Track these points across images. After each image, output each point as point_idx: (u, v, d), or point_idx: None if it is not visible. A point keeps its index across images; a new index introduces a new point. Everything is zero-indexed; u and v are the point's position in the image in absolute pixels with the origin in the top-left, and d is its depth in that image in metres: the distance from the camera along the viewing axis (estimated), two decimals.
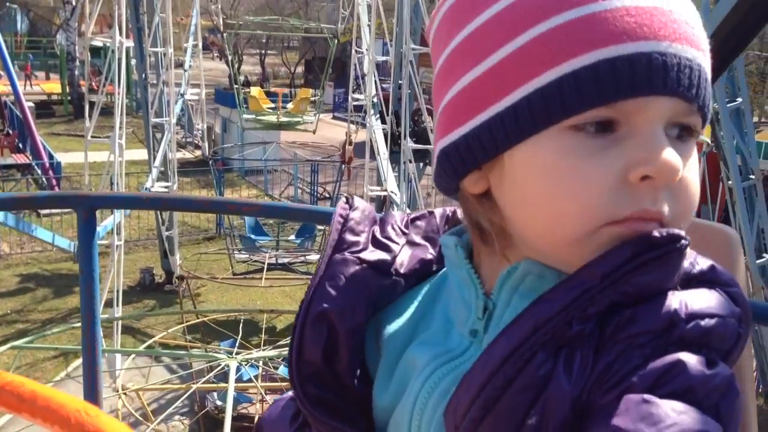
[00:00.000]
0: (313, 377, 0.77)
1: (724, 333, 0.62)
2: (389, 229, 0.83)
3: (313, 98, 19.42)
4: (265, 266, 11.07)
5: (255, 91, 17.78)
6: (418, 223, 0.85)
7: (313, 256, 12.37)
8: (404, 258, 0.81)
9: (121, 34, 10.17)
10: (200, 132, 14.76)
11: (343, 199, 0.86)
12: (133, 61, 20.68)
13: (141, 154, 16.42)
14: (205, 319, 8.13)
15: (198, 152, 18.14)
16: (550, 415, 0.59)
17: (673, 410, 0.56)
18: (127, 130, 20.64)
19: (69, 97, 28.65)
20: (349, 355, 0.77)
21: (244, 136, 19.15)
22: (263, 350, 7.03)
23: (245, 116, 17.42)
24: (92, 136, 10.72)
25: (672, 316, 0.60)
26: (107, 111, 10.86)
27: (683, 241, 0.62)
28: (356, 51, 12.64)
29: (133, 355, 9.08)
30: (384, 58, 11.94)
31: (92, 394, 2.01)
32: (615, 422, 0.56)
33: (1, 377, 0.70)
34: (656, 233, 0.61)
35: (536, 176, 0.62)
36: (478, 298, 0.71)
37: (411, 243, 0.83)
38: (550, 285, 0.65)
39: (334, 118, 28.22)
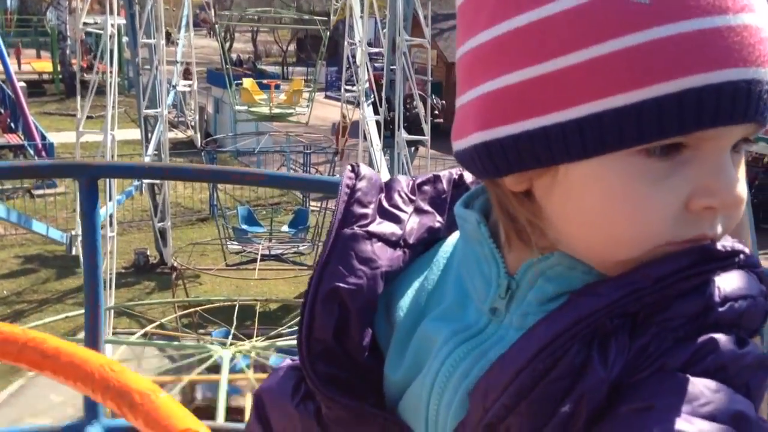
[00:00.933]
0: (323, 355, 0.76)
1: (754, 312, 0.62)
2: (396, 196, 0.81)
3: (306, 90, 19.30)
4: (259, 257, 11.10)
5: (247, 82, 17.63)
6: (425, 188, 0.83)
7: (306, 247, 12.43)
8: (413, 227, 0.80)
9: (112, 13, 10.09)
10: (192, 120, 14.71)
11: (349, 168, 0.82)
12: (125, 39, 20.59)
13: (134, 133, 16.44)
14: (198, 309, 8.21)
15: (189, 132, 18.16)
16: (584, 403, 0.59)
17: (707, 388, 0.56)
18: (119, 109, 20.66)
19: (60, 76, 28.50)
20: (360, 332, 0.76)
21: (237, 118, 19.18)
22: (256, 340, 7.12)
23: (237, 107, 17.35)
24: (90, 116, 10.77)
25: (707, 301, 0.60)
26: (99, 90, 10.70)
27: (742, 256, 0.63)
28: (348, 42, 12.61)
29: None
30: (376, 50, 11.92)
31: (94, 341, 2.05)
32: (649, 400, 0.56)
33: (24, 334, 0.69)
34: (720, 247, 0.61)
35: (597, 197, 0.60)
36: (500, 277, 0.70)
37: (418, 210, 0.82)
38: (580, 275, 0.65)
39: (327, 97, 28.14)
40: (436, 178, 0.84)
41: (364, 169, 0.82)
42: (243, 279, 10.74)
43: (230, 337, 7.28)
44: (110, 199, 9.98)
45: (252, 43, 41.75)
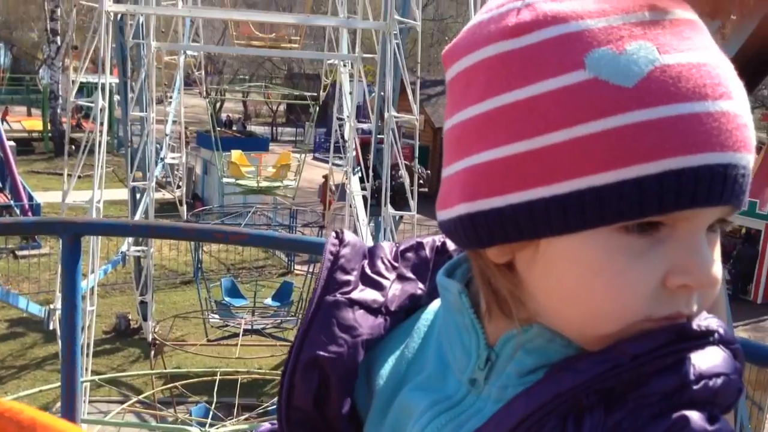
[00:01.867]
0: (302, 423, 0.77)
1: (728, 390, 0.63)
2: (379, 263, 0.82)
3: (294, 152, 19.47)
4: (241, 332, 11.02)
5: (235, 155, 17.71)
6: (408, 255, 0.84)
7: (290, 322, 12.32)
8: (395, 294, 0.80)
9: (104, 59, 10.01)
10: (181, 192, 14.75)
11: (333, 234, 0.82)
12: (117, 98, 20.79)
13: (121, 193, 16.47)
14: (177, 384, 8.10)
15: (177, 192, 18.25)
16: None
17: None
18: (107, 168, 20.71)
19: (50, 135, 28.69)
20: (340, 400, 0.76)
21: (223, 185, 19.31)
22: (236, 421, 7.03)
23: (225, 180, 17.45)
24: (71, 175, 10.51)
25: (683, 378, 0.61)
26: (90, 150, 10.46)
27: (716, 335, 0.64)
28: (337, 118, 12.81)
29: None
30: (364, 126, 12.12)
31: (70, 410, 2.01)
32: None
33: (0, 404, 0.69)
34: (695, 326, 0.63)
35: (576, 272, 0.61)
36: (480, 348, 0.70)
37: (401, 277, 0.82)
38: (559, 348, 0.66)
39: (315, 158, 28.45)
40: (419, 245, 0.84)
41: (348, 236, 0.82)
42: (223, 358, 10.45)
43: (210, 415, 7.18)
44: (92, 272, 9.84)
45: (242, 103, 42.34)
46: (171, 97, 17.76)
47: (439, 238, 0.84)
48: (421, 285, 0.82)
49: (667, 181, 0.56)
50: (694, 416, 0.59)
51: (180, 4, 12.49)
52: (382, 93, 10.05)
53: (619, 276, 0.59)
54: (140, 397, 8.43)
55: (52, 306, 10.43)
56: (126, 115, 12.13)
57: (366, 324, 0.77)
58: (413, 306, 0.81)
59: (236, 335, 11.17)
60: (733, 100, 0.59)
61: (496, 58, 0.62)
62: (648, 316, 0.60)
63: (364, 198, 10.99)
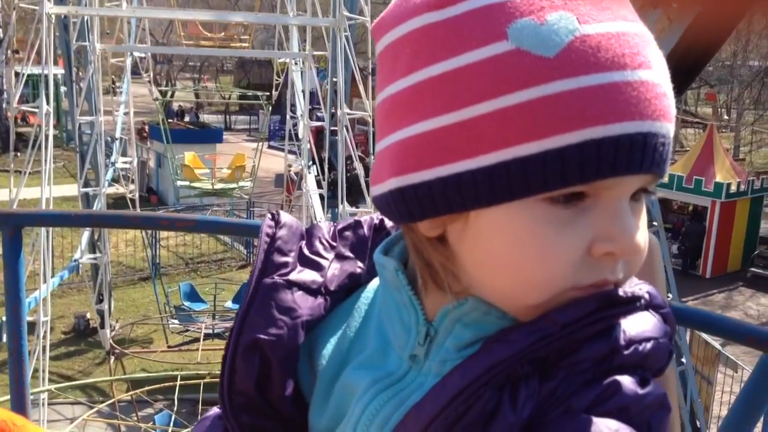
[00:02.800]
0: (246, 407, 0.76)
1: (658, 353, 0.65)
2: (317, 243, 0.82)
3: (250, 161, 19.18)
4: (202, 337, 10.89)
5: (188, 157, 17.34)
6: (346, 233, 0.84)
7: None
8: (334, 274, 0.80)
9: (47, 63, 9.57)
10: (133, 188, 14.47)
11: (269, 216, 0.82)
12: (63, 89, 20.19)
13: (73, 189, 16.16)
14: (138, 392, 8.02)
15: (131, 186, 17.98)
16: None
17: (607, 427, 0.59)
18: (57, 163, 20.18)
19: None
20: (282, 382, 0.76)
21: (179, 195, 19.06)
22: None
23: (179, 183, 17.14)
24: (18, 171, 10.22)
25: (613, 344, 0.62)
26: (34, 144, 9.98)
27: (642, 301, 0.66)
28: (291, 117, 12.74)
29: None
30: (317, 124, 12.08)
31: (20, 406, 1.98)
32: None
33: None
34: (621, 293, 0.64)
35: (505, 242, 0.62)
36: (419, 324, 0.70)
37: (339, 256, 0.82)
38: (494, 320, 0.67)
39: (270, 147, 28.24)
40: (357, 224, 0.84)
41: (285, 217, 0.82)
42: (184, 364, 10.34)
43: (172, 421, 7.12)
44: (44, 281, 9.51)
45: (194, 93, 41.67)
46: (119, 87, 17.40)
47: (377, 216, 0.84)
48: (360, 263, 0.82)
49: (588, 151, 0.57)
50: (626, 380, 0.61)
51: (124, 4, 12.25)
52: (335, 89, 10.04)
53: (545, 245, 0.60)
54: (101, 405, 8.34)
55: (4, 318, 10.13)
56: (74, 117, 11.81)
57: (305, 305, 0.77)
58: (353, 285, 0.81)
59: (197, 340, 10.98)
60: (652, 70, 0.60)
61: (421, 30, 0.62)
62: (575, 284, 0.62)
63: (321, 196, 11.00)
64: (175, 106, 31.90)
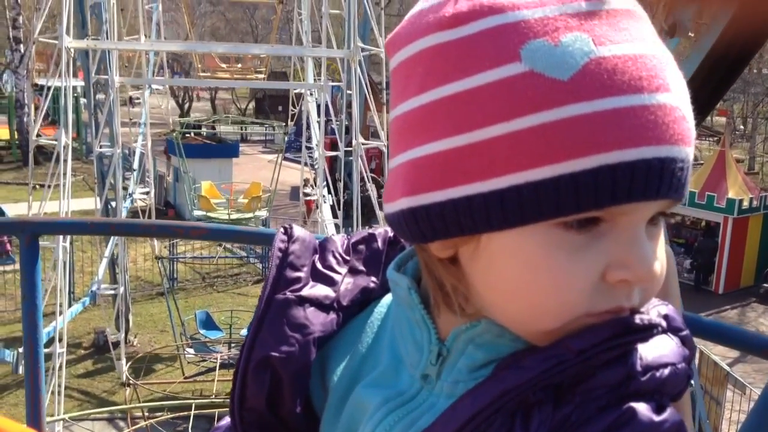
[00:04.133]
0: (256, 423, 0.76)
1: (675, 380, 0.63)
2: (330, 257, 0.81)
3: (265, 194, 19.21)
4: (217, 367, 10.83)
5: (205, 186, 17.52)
6: (360, 247, 0.82)
7: None
8: (347, 288, 0.79)
9: (67, 73, 9.57)
10: (150, 201, 14.67)
11: (282, 230, 0.81)
12: (83, 101, 20.46)
13: (91, 203, 16.43)
14: (152, 421, 8.04)
15: (149, 201, 18.27)
16: None
17: None
18: (77, 177, 20.45)
19: (18, 144, 28.41)
20: (293, 399, 0.75)
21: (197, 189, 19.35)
22: None
23: (195, 213, 17.31)
24: (39, 184, 10.26)
25: (629, 370, 0.61)
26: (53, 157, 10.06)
27: (660, 328, 0.64)
28: (306, 147, 12.91)
29: None
30: (332, 153, 12.12)
31: (35, 422, 1.98)
32: None
33: None
34: (637, 320, 0.62)
35: (517, 267, 0.60)
36: (432, 343, 0.69)
37: (353, 270, 0.81)
38: (508, 342, 0.65)
39: (285, 159, 28.51)
40: (372, 237, 0.83)
41: (297, 231, 0.80)
42: (200, 398, 10.00)
43: None
44: (60, 314, 9.55)
45: (211, 102, 42.18)
46: (137, 99, 17.54)
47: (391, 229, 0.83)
48: (373, 278, 0.81)
49: (603, 176, 0.55)
50: (641, 407, 0.60)
51: (143, 38, 12.43)
52: (347, 119, 10.14)
53: (558, 271, 0.59)
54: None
55: (21, 350, 10.35)
56: (93, 147, 11.88)
57: (317, 321, 0.76)
58: (366, 299, 0.80)
59: (213, 369, 10.86)
60: (671, 93, 0.58)
61: (433, 49, 0.61)
62: (588, 310, 0.60)
63: (336, 226, 11.13)
64: (192, 117, 32.26)
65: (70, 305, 14.39)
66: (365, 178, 10.45)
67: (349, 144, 10.92)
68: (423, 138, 0.62)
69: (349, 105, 10.78)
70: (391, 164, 0.68)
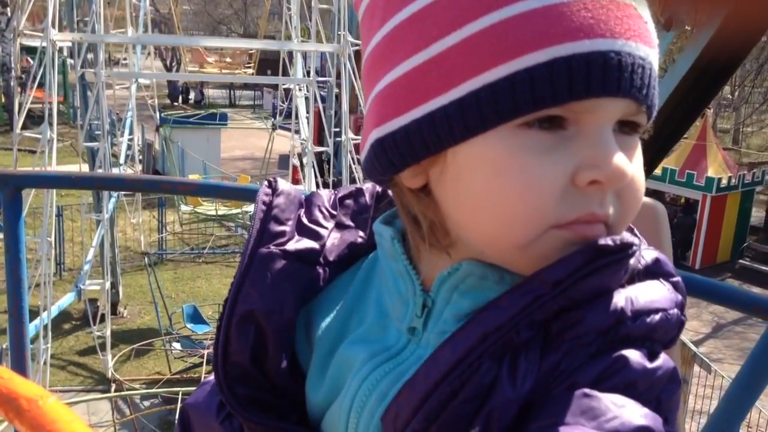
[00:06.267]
0: (241, 378, 0.74)
1: (667, 325, 0.62)
2: (316, 212, 0.79)
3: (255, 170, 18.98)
4: (204, 360, 10.71)
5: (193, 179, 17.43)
6: (347, 202, 0.81)
7: None
8: (333, 243, 0.78)
9: (53, 27, 9.38)
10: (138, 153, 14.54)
11: (266, 183, 0.79)
12: (70, 61, 20.11)
13: (82, 168, 16.38)
14: (138, 415, 7.86)
15: (138, 167, 18.24)
16: (494, 422, 0.58)
17: (613, 404, 0.56)
18: (64, 142, 20.33)
19: (4, 107, 28.23)
20: (278, 353, 0.74)
21: (185, 158, 19.43)
22: None
23: (183, 208, 17.16)
24: (22, 149, 10.08)
25: (618, 314, 0.59)
26: (41, 120, 9.85)
27: (634, 248, 0.61)
28: (301, 141, 12.62)
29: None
30: (322, 149, 12.03)
31: (20, 367, 1.99)
32: (556, 417, 0.56)
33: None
34: (609, 241, 0.59)
35: (483, 176, 0.59)
36: (416, 295, 0.69)
37: (340, 225, 0.80)
38: (492, 285, 0.64)
39: (274, 126, 28.45)
40: (359, 192, 0.82)
41: (282, 184, 0.79)
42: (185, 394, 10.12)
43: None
44: (44, 309, 9.43)
45: (199, 66, 41.75)
46: (125, 60, 17.13)
47: None
48: (361, 233, 0.80)
49: (558, 68, 0.55)
50: (633, 354, 0.59)
51: (129, 31, 12.23)
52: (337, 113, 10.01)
53: (523, 173, 0.58)
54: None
55: (5, 345, 10.31)
56: (80, 140, 11.76)
57: (302, 276, 0.75)
58: (353, 255, 0.79)
59: (199, 365, 10.76)
60: None
61: None
62: (559, 218, 0.59)
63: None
64: (180, 84, 32.07)
65: (61, 276, 14.75)
66: (354, 172, 10.46)
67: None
68: (386, 67, 0.63)
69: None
70: (365, 110, 0.68)
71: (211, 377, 0.80)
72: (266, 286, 0.74)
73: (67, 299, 12.12)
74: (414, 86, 0.60)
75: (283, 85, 14.49)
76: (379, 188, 0.82)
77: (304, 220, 0.79)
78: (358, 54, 10.43)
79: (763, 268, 17.22)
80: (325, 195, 0.82)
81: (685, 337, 11.08)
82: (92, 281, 11.97)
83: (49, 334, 9.57)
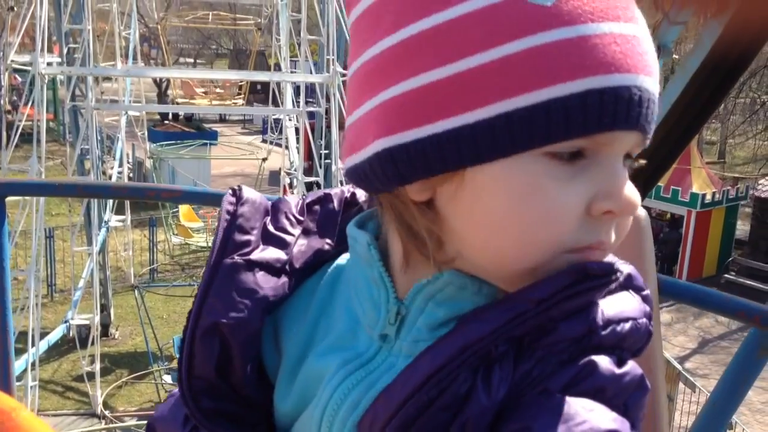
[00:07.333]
0: (206, 391, 0.74)
1: (636, 334, 0.63)
2: (283, 219, 0.78)
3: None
4: None
5: (183, 210, 17.39)
6: (315, 208, 0.80)
7: None
8: (300, 250, 0.77)
9: (42, 51, 9.36)
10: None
11: (230, 191, 0.78)
12: (60, 77, 19.98)
13: None
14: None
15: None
16: (469, 430, 0.59)
17: (583, 408, 0.58)
18: (54, 160, 20.23)
19: None
20: (244, 365, 0.73)
21: (176, 176, 19.52)
22: None
23: (174, 239, 17.19)
24: (10, 166, 10.05)
25: (590, 324, 0.61)
26: (32, 138, 9.79)
27: (618, 274, 0.64)
28: (286, 172, 12.86)
29: None
30: (312, 179, 11.90)
31: (4, 382, 1.97)
32: (529, 420, 0.57)
33: None
34: (596, 266, 0.61)
35: (506, 199, 0.59)
36: (390, 302, 0.68)
37: (306, 232, 0.79)
38: (470, 296, 0.65)
39: (264, 141, 28.57)
40: (327, 197, 0.81)
41: (247, 192, 0.78)
42: None
43: None
44: (32, 345, 9.37)
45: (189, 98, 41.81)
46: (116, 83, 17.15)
47: (348, 189, 0.81)
48: (328, 240, 0.79)
49: (591, 100, 0.55)
50: (602, 360, 0.61)
51: (119, 64, 12.19)
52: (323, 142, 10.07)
53: (548, 200, 0.58)
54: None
55: None
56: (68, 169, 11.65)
57: (268, 286, 0.74)
58: (319, 261, 0.79)
59: None
60: (639, 26, 0.60)
61: None
62: (575, 244, 0.60)
63: None
64: (170, 99, 32.05)
65: (52, 298, 14.76)
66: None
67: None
68: (399, 76, 0.60)
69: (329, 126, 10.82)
70: (353, 117, 0.66)
71: (176, 390, 0.80)
72: (231, 298, 0.73)
73: (56, 334, 12.00)
74: (435, 100, 0.59)
75: (273, 115, 14.50)
76: (347, 194, 0.82)
77: (270, 227, 0.78)
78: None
79: (748, 282, 17.43)
80: (293, 201, 0.82)
81: (672, 352, 11.25)
82: (81, 316, 11.82)
83: (38, 371, 9.44)
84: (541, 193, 0.59)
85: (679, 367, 10.87)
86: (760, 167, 24.05)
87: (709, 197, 17.59)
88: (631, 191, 0.61)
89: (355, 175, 0.66)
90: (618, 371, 0.61)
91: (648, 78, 0.59)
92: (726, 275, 18.25)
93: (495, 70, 0.57)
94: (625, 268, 0.66)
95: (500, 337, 0.60)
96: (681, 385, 10.89)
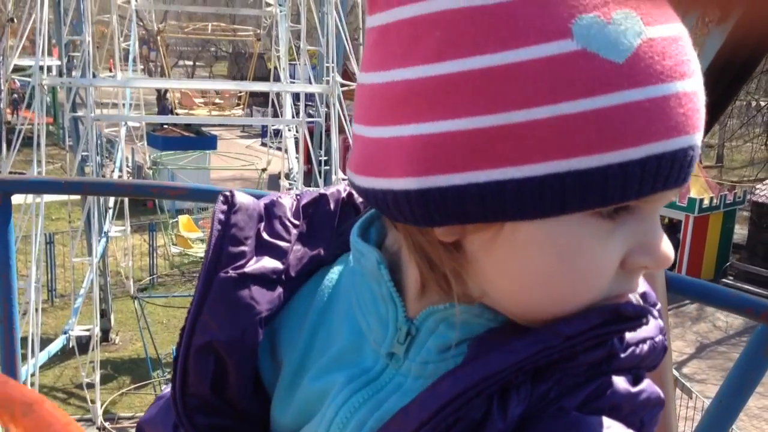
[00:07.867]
0: (201, 408, 0.72)
1: (654, 353, 0.64)
2: (277, 224, 0.75)
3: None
4: None
5: (182, 221, 17.34)
6: (311, 210, 0.78)
7: None
8: (296, 257, 0.75)
9: (42, 55, 9.47)
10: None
11: (221, 198, 0.74)
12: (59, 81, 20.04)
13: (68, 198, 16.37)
14: None
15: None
16: None
17: (599, 425, 0.58)
18: (54, 164, 20.27)
19: None
20: (239, 382, 0.72)
21: (176, 180, 19.56)
22: None
23: (173, 250, 17.17)
24: (11, 172, 10.06)
25: (610, 349, 0.61)
26: (31, 142, 9.91)
27: (649, 316, 0.63)
28: (289, 184, 12.91)
29: None
30: (314, 190, 12.06)
31: (11, 372, 2.00)
32: None
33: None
34: (630, 309, 0.61)
35: (547, 257, 0.57)
36: (399, 321, 0.66)
37: (303, 236, 0.76)
38: (484, 322, 0.64)
39: (263, 144, 28.62)
40: (323, 198, 0.78)
41: (240, 198, 0.74)
42: None
43: None
44: (32, 356, 9.39)
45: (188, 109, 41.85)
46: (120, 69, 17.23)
47: (344, 188, 0.78)
48: (324, 244, 0.77)
49: (650, 166, 0.54)
50: (618, 379, 0.61)
51: (119, 75, 12.21)
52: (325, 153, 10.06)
53: (589, 259, 0.57)
54: None
55: None
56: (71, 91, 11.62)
57: (264, 300, 0.71)
58: (316, 267, 0.76)
59: None
60: (698, 79, 0.57)
61: (459, 12, 0.54)
62: (607, 295, 0.60)
63: None
64: (168, 103, 32.09)
65: (53, 303, 14.80)
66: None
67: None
68: (439, 113, 0.56)
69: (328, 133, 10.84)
70: (379, 133, 0.60)
71: (167, 390, 0.79)
72: (225, 316, 0.70)
73: (56, 345, 11.96)
74: (480, 147, 0.55)
75: (273, 126, 14.53)
76: (344, 194, 0.79)
77: (265, 235, 0.74)
78: (346, 94, 10.64)
79: (746, 286, 17.48)
80: (288, 204, 0.78)
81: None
82: (81, 327, 11.82)
83: (37, 376, 9.48)
84: (582, 253, 0.58)
85: (675, 373, 10.92)
86: (757, 171, 24.15)
87: (706, 202, 17.69)
88: (667, 246, 0.60)
89: (373, 199, 0.62)
90: (634, 390, 0.62)
91: (700, 133, 0.57)
92: (724, 279, 18.33)
93: (554, 127, 0.53)
94: (641, 286, 0.65)
95: (523, 367, 0.59)
96: (678, 391, 10.95)
